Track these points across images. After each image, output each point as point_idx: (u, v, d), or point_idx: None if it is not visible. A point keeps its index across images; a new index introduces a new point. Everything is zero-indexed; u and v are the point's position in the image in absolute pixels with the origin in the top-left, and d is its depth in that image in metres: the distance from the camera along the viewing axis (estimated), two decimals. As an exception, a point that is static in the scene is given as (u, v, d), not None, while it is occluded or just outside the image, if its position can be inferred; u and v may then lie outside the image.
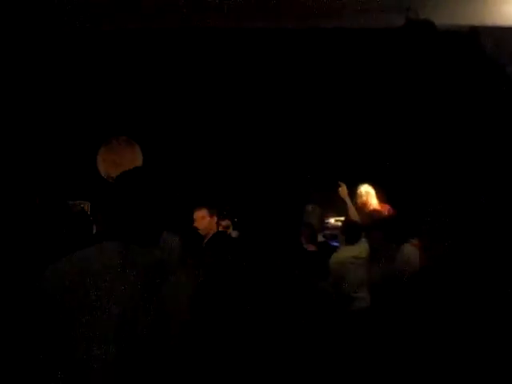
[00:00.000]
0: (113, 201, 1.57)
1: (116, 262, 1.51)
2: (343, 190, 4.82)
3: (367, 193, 4.83)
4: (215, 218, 4.40)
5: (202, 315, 1.40)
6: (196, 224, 4.16)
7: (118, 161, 5.46)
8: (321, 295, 1.48)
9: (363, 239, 4.35)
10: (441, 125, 5.77)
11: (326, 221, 5.61)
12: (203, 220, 4.27)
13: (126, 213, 1.57)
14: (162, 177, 1.65)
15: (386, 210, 4.73)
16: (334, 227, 5.69)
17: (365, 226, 4.38)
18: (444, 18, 5.13)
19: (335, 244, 5.04)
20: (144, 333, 1.43)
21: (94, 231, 3.24)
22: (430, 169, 5.66)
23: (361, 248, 4.27)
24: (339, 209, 5.28)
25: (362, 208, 4.78)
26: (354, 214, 4.72)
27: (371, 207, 4.67)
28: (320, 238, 5.04)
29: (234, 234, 4.93)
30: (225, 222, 4.99)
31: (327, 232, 5.63)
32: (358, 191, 4.90)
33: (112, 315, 1.44)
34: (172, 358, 1.43)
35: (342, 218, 5.26)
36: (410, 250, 3.68)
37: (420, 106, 5.83)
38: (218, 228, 4.41)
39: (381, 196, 4.81)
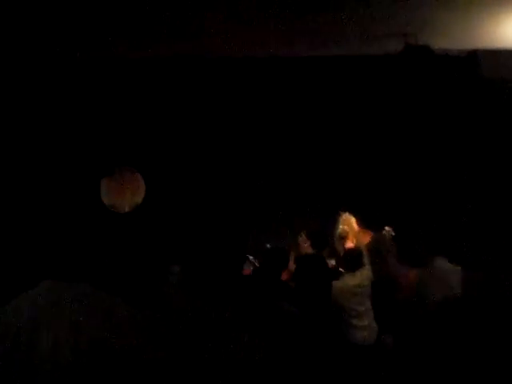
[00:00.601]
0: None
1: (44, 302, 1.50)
2: (348, 219, 4.81)
3: (348, 221, 4.82)
4: None
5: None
6: None
7: (122, 190, 5.52)
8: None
9: (367, 266, 4.31)
10: (440, 147, 5.77)
11: None
12: None
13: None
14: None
15: (369, 236, 4.73)
16: None
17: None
18: (442, 43, 5.16)
19: None
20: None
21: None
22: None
23: (363, 275, 4.21)
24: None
25: (344, 237, 4.79)
26: (358, 240, 4.69)
27: (352, 235, 4.66)
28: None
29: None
30: None
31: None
32: (340, 219, 4.90)
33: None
34: None
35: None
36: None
37: (419, 130, 5.83)
38: None
39: (361, 223, 4.81)
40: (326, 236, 4.71)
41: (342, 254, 4.54)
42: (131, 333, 1.46)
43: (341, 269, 4.48)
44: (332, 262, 4.96)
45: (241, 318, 1.43)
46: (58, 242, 1.68)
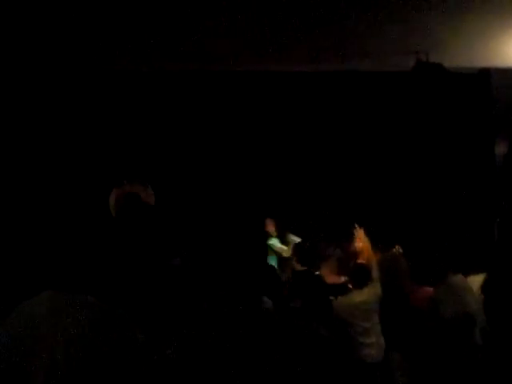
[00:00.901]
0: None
1: (44, 313, 1.51)
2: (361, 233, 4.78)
3: (363, 237, 4.79)
4: None
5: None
6: None
7: (130, 202, 5.50)
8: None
9: (375, 283, 4.27)
10: (450, 164, 5.75)
11: None
12: None
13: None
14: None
15: (377, 254, 4.70)
16: None
17: None
18: (453, 60, 5.15)
19: None
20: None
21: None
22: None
23: (370, 292, 4.18)
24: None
25: (358, 253, 4.76)
26: (370, 255, 4.66)
27: (365, 251, 4.63)
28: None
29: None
30: None
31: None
32: (355, 236, 4.87)
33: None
34: None
35: None
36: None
37: (429, 147, 5.82)
38: None
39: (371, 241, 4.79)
40: (314, 252, 4.67)
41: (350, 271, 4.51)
42: (130, 347, 1.47)
43: (349, 285, 4.45)
44: (342, 279, 4.92)
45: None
46: (64, 252, 1.69)
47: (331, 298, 4.26)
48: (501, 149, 5.66)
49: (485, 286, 2.43)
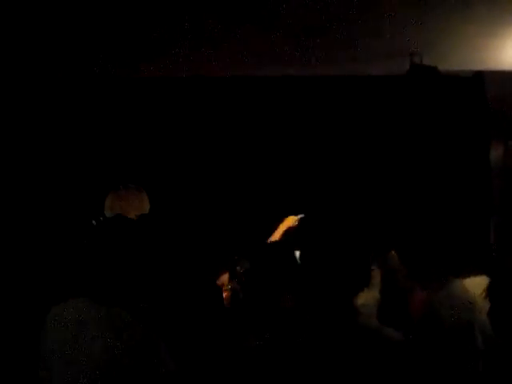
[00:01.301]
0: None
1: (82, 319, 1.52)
2: None
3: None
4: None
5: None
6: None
7: (125, 207, 5.48)
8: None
9: (374, 287, 4.23)
10: (445, 168, 5.75)
11: None
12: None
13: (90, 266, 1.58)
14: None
15: None
16: None
17: None
18: (447, 63, 5.18)
19: None
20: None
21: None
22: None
23: (368, 296, 4.13)
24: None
25: None
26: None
27: None
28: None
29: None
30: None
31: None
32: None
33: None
34: None
35: None
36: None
37: (423, 154, 5.82)
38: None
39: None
40: None
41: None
42: (147, 359, 1.48)
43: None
44: None
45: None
46: (75, 257, 1.70)
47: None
48: (495, 153, 5.68)
49: (490, 293, 2.39)
